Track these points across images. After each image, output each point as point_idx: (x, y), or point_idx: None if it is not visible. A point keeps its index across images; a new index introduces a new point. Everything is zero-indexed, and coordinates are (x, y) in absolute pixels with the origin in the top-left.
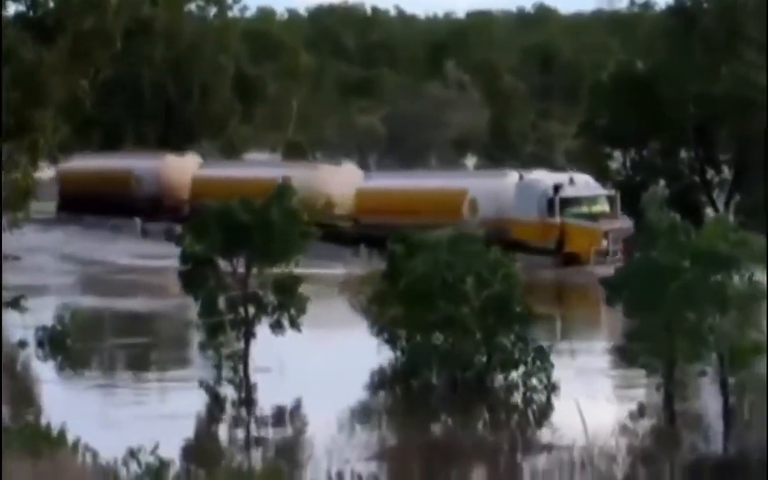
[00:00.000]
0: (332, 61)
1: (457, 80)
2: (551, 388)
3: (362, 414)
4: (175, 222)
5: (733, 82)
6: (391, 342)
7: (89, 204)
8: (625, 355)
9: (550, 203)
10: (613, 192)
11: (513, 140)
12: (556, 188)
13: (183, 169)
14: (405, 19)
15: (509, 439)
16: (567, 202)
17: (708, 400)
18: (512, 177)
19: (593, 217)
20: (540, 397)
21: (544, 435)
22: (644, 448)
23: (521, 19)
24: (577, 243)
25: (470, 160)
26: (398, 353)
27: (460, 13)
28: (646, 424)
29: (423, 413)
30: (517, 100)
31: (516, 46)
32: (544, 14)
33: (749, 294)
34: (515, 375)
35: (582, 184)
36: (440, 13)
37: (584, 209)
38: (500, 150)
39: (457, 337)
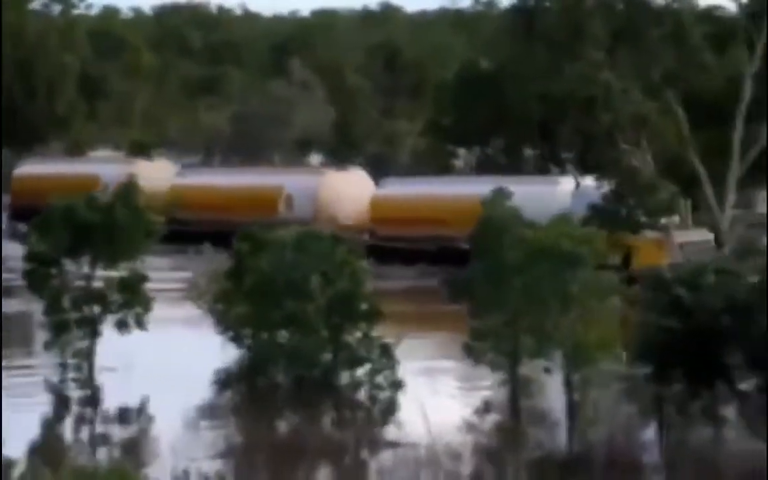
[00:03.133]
0: (178, 59)
1: (302, 79)
2: (397, 385)
3: (208, 412)
4: None
5: (575, 81)
6: (237, 340)
7: None
8: (470, 353)
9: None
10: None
11: (358, 139)
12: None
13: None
14: (250, 18)
15: (355, 436)
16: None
17: (553, 397)
18: (565, 184)
19: (665, 228)
20: (385, 394)
21: (390, 432)
22: (489, 444)
23: (366, 17)
24: (647, 258)
25: (314, 159)
26: (244, 352)
27: (305, 12)
28: (491, 420)
29: (269, 411)
30: (362, 99)
31: (361, 44)
32: (389, 13)
33: (593, 291)
34: (361, 373)
35: None
36: (285, 12)
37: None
38: (345, 148)
39: (302, 335)
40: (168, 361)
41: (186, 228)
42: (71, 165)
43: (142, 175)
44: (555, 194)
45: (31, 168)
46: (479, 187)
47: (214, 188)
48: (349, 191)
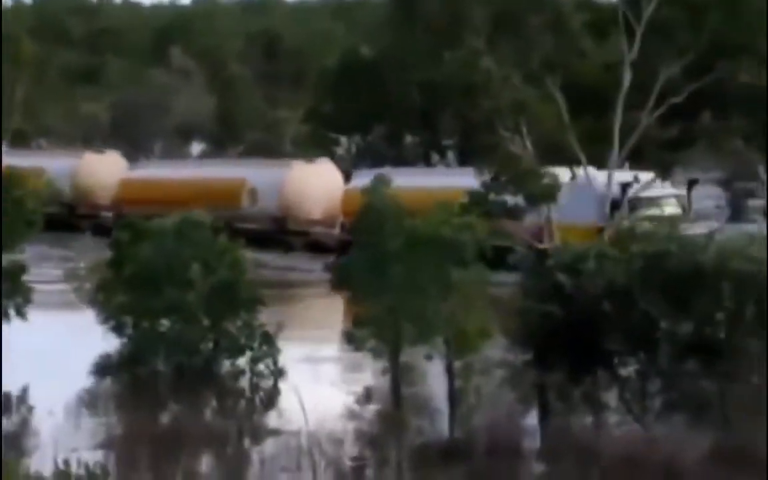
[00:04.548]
0: (57, 48)
1: (182, 67)
2: (278, 373)
3: (89, 402)
4: None
5: (455, 68)
6: (118, 330)
7: None
8: (352, 340)
9: (615, 206)
10: (683, 192)
11: (239, 127)
12: (624, 188)
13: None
14: (131, 6)
15: (237, 425)
16: (634, 205)
17: (434, 384)
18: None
19: (671, 220)
20: (267, 382)
21: (272, 420)
22: (371, 432)
23: (247, 5)
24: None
25: (196, 148)
26: (125, 341)
27: (186, 0)
28: (372, 408)
29: (150, 400)
30: (243, 87)
31: (242, 32)
32: (270, 1)
33: (474, 279)
34: (242, 361)
35: (647, 182)
36: (166, 0)
37: (655, 212)
38: (227, 136)
39: (183, 323)
40: (51, 349)
41: None
42: (15, 157)
43: (89, 168)
44: None
45: None
46: (458, 180)
47: (170, 181)
48: (318, 184)
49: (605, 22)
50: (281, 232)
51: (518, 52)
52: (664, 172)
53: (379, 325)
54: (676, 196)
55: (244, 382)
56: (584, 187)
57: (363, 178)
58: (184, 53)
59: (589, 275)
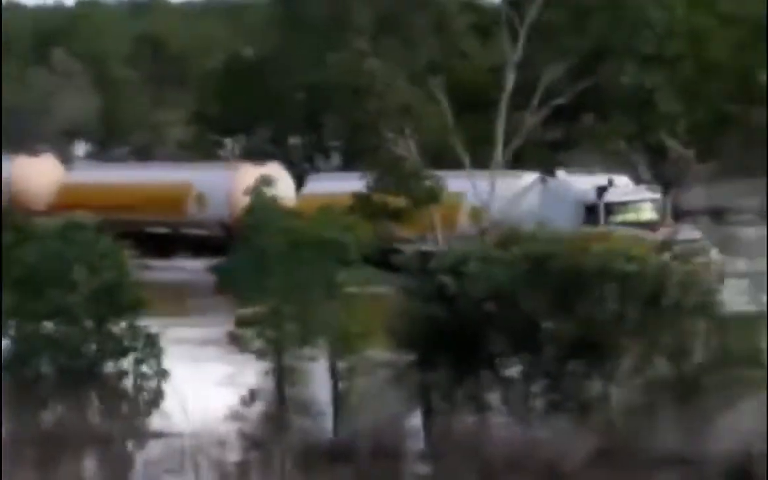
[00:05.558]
0: None
1: (66, 69)
2: (162, 374)
3: None
4: None
5: (340, 70)
6: (2, 332)
7: None
8: (236, 341)
9: (591, 210)
10: (658, 195)
11: (125, 129)
12: (601, 191)
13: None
14: (13, 7)
15: (121, 427)
16: (610, 209)
17: (319, 385)
18: (528, 179)
19: (650, 225)
20: (151, 384)
21: (156, 422)
22: (255, 433)
23: (132, 7)
24: None
25: (80, 149)
26: (9, 343)
27: (70, 2)
28: (257, 409)
29: (34, 403)
30: (128, 89)
31: (127, 34)
32: (156, 2)
33: (357, 280)
34: (126, 363)
35: (622, 187)
36: (50, 1)
37: (631, 217)
38: (111, 138)
39: (67, 325)
40: None
41: None
42: None
43: (21, 172)
44: (518, 190)
45: None
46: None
47: (113, 186)
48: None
49: (489, 24)
50: (231, 239)
51: (402, 53)
52: (548, 173)
53: (263, 326)
54: (652, 201)
55: (128, 384)
56: (558, 190)
57: (317, 184)
58: (68, 55)
59: (473, 277)
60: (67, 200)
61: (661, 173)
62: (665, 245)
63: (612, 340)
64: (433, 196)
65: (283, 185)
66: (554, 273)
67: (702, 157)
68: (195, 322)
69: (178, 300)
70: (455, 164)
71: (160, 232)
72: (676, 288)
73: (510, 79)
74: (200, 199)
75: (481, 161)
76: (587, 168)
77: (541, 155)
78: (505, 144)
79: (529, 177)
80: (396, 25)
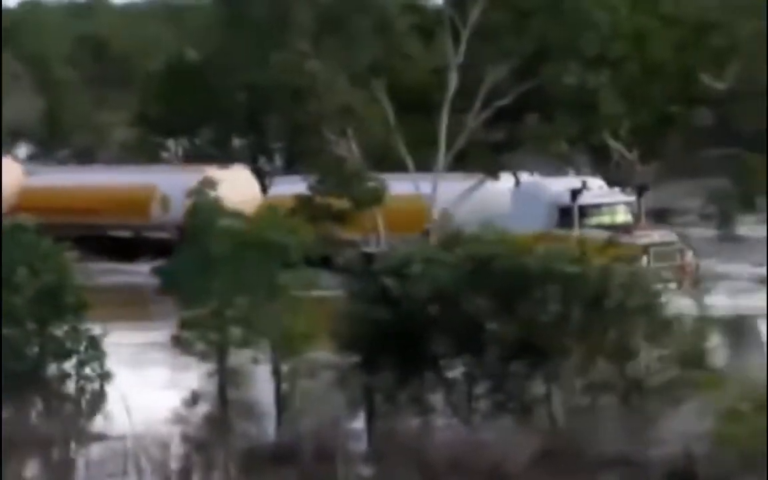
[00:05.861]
0: None
1: (9, 70)
2: (104, 376)
3: None
4: None
5: (281, 70)
6: None
7: None
8: (179, 343)
9: (565, 213)
10: (632, 198)
11: (66, 130)
12: (575, 194)
13: None
14: None
15: (62, 429)
16: (584, 212)
17: (262, 388)
18: (501, 181)
19: (625, 228)
20: (93, 386)
21: (98, 424)
22: (197, 436)
23: (74, 8)
24: None
25: (22, 151)
26: None
27: (12, 3)
28: (199, 412)
29: None
30: (70, 90)
31: (69, 35)
32: (98, 4)
33: (300, 282)
34: (69, 365)
35: (596, 189)
36: None
37: (606, 220)
38: (54, 140)
39: (9, 327)
40: None
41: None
42: None
43: None
44: (490, 193)
45: None
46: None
47: (76, 189)
48: (233, 191)
49: (431, 26)
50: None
51: (344, 54)
52: (491, 175)
53: (206, 328)
54: (627, 203)
55: (71, 386)
56: (531, 193)
57: (281, 186)
58: (10, 56)
59: (416, 279)
60: (29, 203)
61: (605, 175)
62: (646, 250)
63: (555, 342)
64: (376, 197)
65: (248, 187)
66: (497, 274)
67: (645, 158)
68: (142, 325)
69: (130, 304)
70: (399, 166)
71: (123, 236)
72: (619, 289)
73: (453, 81)
74: (164, 201)
75: (424, 163)
76: (530, 170)
77: (484, 157)
78: (448, 146)
79: (472, 179)
80: (338, 26)
